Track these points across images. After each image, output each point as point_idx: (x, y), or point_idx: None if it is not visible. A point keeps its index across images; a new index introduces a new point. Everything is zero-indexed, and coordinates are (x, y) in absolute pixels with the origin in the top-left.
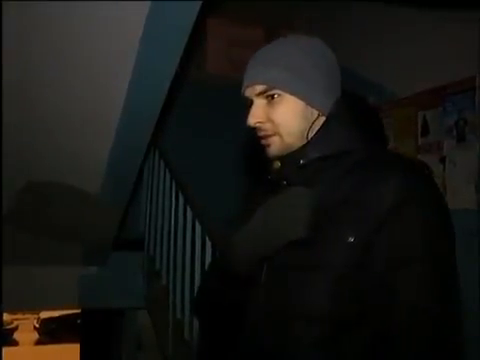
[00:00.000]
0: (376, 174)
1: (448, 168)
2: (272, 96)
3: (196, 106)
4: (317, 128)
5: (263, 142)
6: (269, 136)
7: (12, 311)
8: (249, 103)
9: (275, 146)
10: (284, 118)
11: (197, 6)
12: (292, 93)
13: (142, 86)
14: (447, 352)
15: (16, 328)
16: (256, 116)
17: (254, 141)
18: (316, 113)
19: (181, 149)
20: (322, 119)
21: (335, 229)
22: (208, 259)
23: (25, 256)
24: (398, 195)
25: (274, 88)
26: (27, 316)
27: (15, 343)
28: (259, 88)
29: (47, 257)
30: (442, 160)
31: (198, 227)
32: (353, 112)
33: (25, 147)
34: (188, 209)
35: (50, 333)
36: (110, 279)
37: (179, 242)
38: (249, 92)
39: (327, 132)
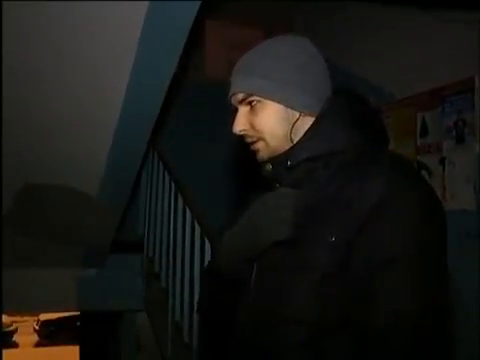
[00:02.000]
0: (361, 174)
1: (447, 169)
2: (252, 103)
3: (195, 108)
4: (303, 129)
5: (251, 148)
6: (255, 142)
7: (12, 313)
8: (234, 111)
9: (262, 151)
10: (265, 123)
11: (196, 7)
12: (270, 98)
13: (141, 87)
14: (432, 353)
15: (15, 330)
16: (240, 124)
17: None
18: (297, 114)
19: (180, 151)
20: (309, 119)
21: (317, 229)
22: (207, 261)
23: (24, 258)
24: (380, 195)
25: (252, 95)
26: (26, 318)
27: (15, 345)
28: (240, 96)
29: (46, 259)
30: (441, 161)
31: (197, 229)
32: (347, 111)
33: (23, 149)
34: (187, 211)
35: (49, 335)
36: (109, 281)
37: (178, 244)
38: (233, 100)
39: (316, 132)
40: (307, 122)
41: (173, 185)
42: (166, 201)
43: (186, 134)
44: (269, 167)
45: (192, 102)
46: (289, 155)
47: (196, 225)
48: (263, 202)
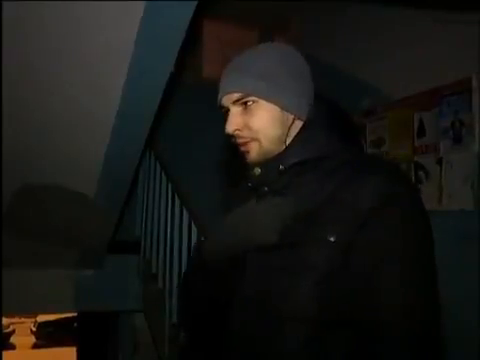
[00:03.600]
0: (356, 175)
1: (445, 169)
2: (247, 103)
3: (192, 108)
4: (294, 133)
5: (242, 149)
6: (247, 142)
7: (9, 315)
8: (225, 111)
9: (254, 152)
10: (261, 124)
11: (192, 7)
12: (267, 99)
13: (138, 87)
14: (433, 346)
15: (13, 332)
16: (234, 124)
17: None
18: (291, 118)
19: (177, 151)
20: (299, 123)
21: (316, 229)
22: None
23: (21, 260)
24: (378, 195)
25: (249, 95)
26: (24, 320)
27: (12, 347)
28: (235, 96)
29: (43, 260)
30: (439, 161)
31: (194, 230)
32: (329, 116)
33: (21, 149)
34: (184, 212)
35: (47, 336)
36: (106, 282)
37: (175, 245)
38: (225, 101)
39: (305, 137)
40: (297, 126)
41: (170, 186)
42: (163, 202)
43: (183, 134)
44: (257, 171)
45: (189, 102)
46: (280, 159)
47: (193, 226)
48: (247, 209)
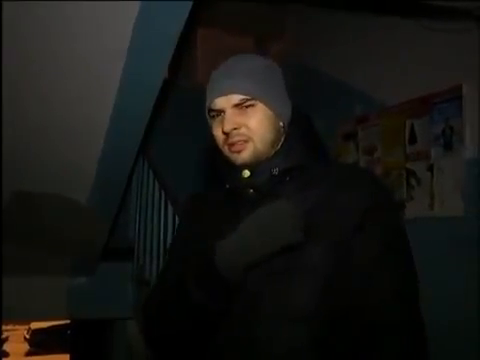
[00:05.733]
0: (345, 180)
1: (436, 176)
2: (246, 106)
3: (185, 115)
4: (281, 140)
5: (234, 149)
6: (244, 141)
7: (2, 322)
8: (216, 114)
9: (247, 152)
10: (259, 124)
11: (185, 13)
12: (267, 104)
13: (131, 92)
14: (423, 330)
15: (6, 339)
16: (232, 122)
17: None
18: (281, 125)
19: (170, 158)
20: (283, 132)
21: (315, 232)
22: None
23: (13, 267)
24: (372, 197)
25: (254, 98)
26: (17, 327)
27: (5, 354)
28: (236, 98)
29: (36, 267)
30: (430, 168)
31: None
32: (303, 126)
33: (12, 153)
34: (177, 218)
35: (40, 344)
36: (100, 289)
37: None
38: (222, 103)
39: (291, 145)
40: (283, 134)
41: (163, 193)
42: (156, 208)
43: (177, 142)
44: (246, 173)
45: (183, 109)
46: (273, 163)
47: None
48: (266, 210)
